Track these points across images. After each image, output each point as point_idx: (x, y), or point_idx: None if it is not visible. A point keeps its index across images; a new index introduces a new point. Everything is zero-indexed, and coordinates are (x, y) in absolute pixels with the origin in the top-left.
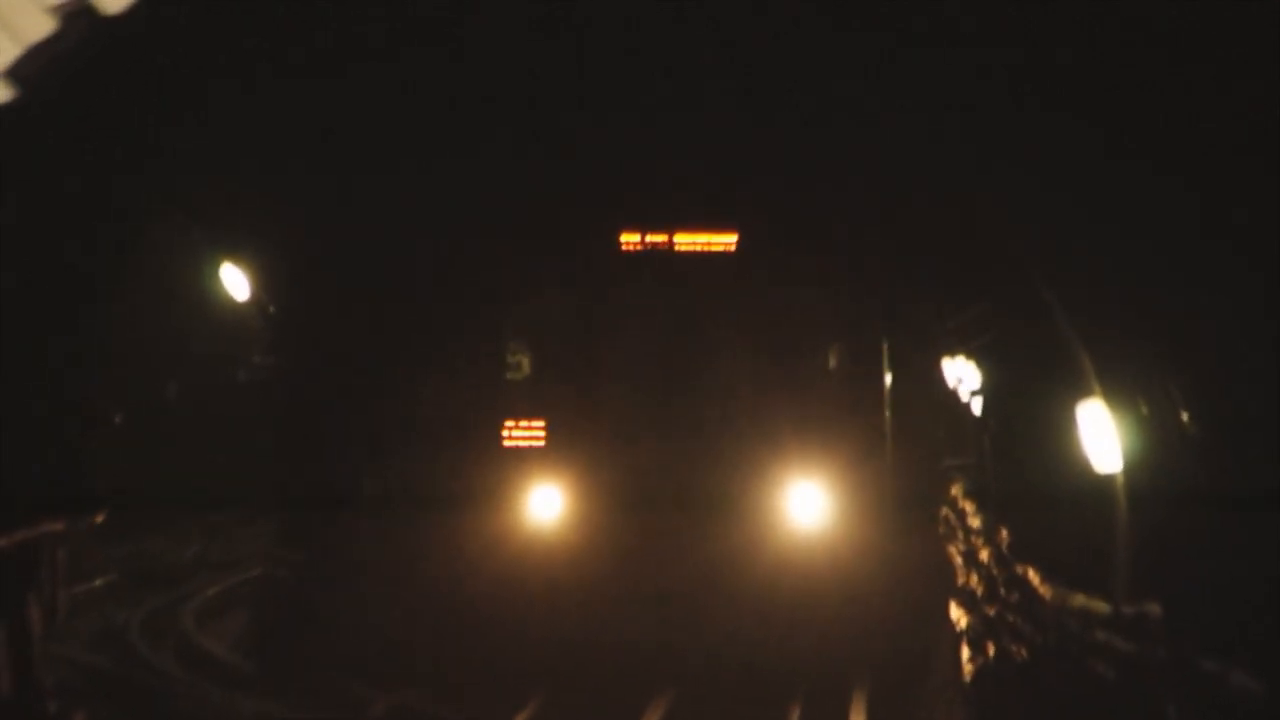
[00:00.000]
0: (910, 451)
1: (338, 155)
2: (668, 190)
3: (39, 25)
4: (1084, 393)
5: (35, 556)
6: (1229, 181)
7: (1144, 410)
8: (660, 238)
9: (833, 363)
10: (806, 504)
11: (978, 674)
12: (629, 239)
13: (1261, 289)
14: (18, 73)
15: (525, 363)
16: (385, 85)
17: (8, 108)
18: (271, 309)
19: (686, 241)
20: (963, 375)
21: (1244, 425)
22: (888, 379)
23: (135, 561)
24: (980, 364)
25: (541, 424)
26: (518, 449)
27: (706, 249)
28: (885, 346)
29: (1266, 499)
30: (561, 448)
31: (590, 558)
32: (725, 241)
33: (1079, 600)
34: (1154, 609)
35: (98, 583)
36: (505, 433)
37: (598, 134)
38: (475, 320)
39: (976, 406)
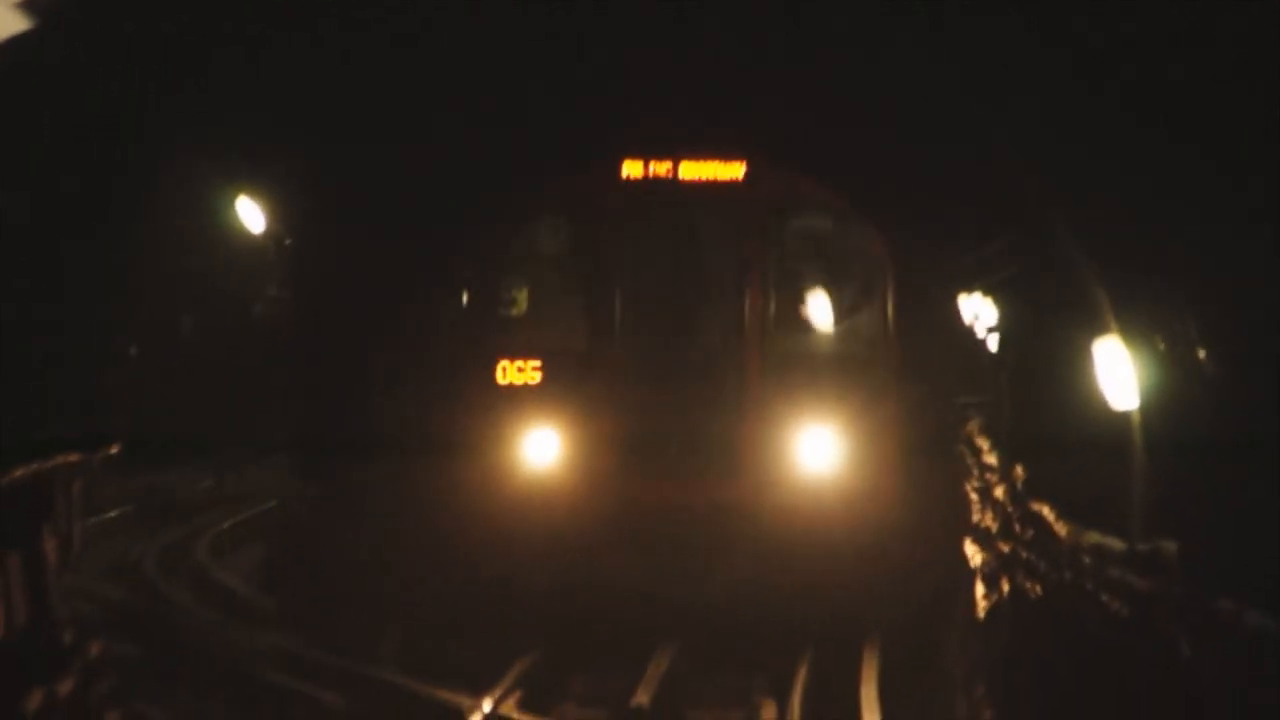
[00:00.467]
0: (922, 391)
1: (349, 92)
2: (672, 117)
3: None
4: (1101, 330)
5: (50, 488)
6: (1244, 126)
7: (1161, 347)
8: (664, 167)
9: (843, 300)
10: (816, 447)
11: (992, 610)
12: (631, 167)
13: (1275, 227)
14: (33, 4)
15: (522, 298)
16: (393, 27)
17: (28, 36)
18: (287, 242)
19: (692, 171)
20: (979, 312)
21: (1260, 362)
22: (899, 316)
23: (150, 494)
24: (997, 301)
25: (538, 362)
26: (513, 388)
27: (713, 179)
28: (894, 283)
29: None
30: (559, 388)
31: (589, 503)
32: (732, 171)
33: (1094, 537)
34: (1169, 547)
35: (113, 515)
36: (500, 371)
37: (599, 60)
38: (471, 253)
39: (993, 343)
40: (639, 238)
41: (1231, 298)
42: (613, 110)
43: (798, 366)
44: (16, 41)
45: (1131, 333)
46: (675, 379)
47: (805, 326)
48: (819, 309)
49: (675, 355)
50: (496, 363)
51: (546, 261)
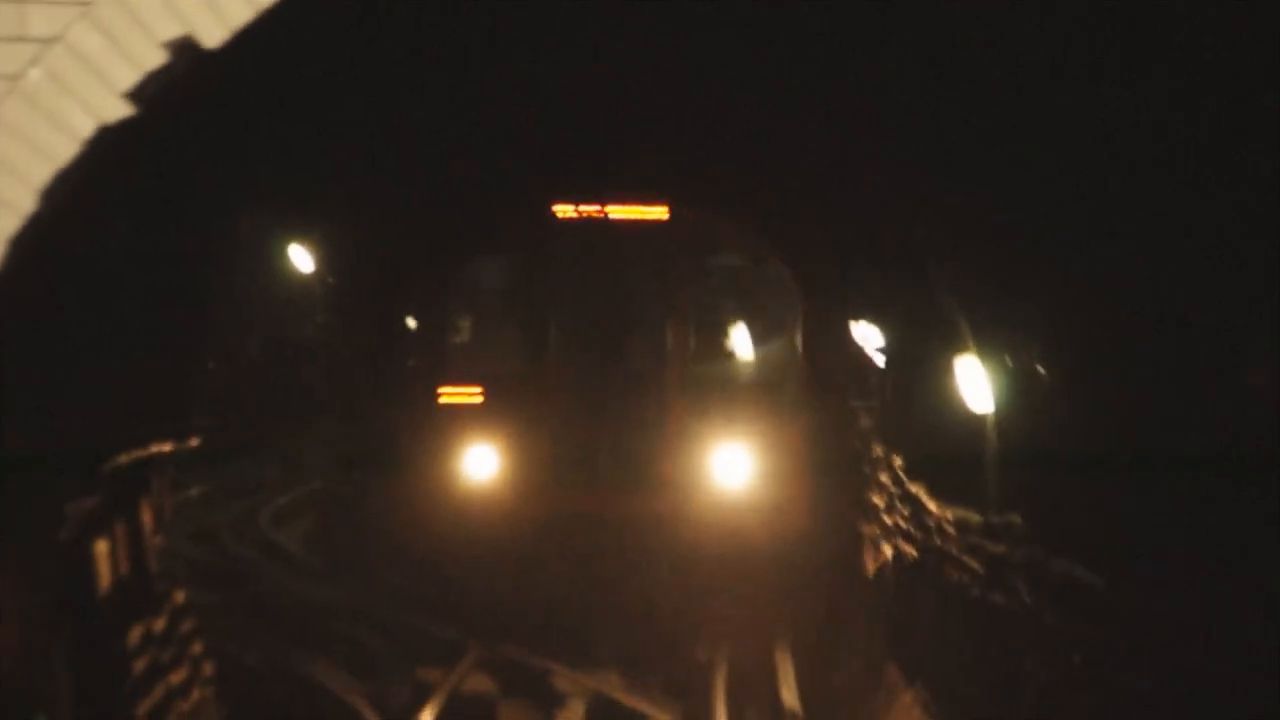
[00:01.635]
0: (826, 401)
1: (353, 159)
2: (601, 163)
3: (154, 56)
4: (962, 349)
5: (148, 471)
6: (1079, 178)
7: (1009, 363)
8: (593, 208)
9: (756, 330)
10: (731, 462)
11: (878, 570)
12: (563, 209)
13: (1096, 270)
14: (138, 94)
15: (465, 327)
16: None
17: (131, 121)
18: (329, 279)
19: (618, 212)
20: (868, 335)
21: (1084, 377)
22: (807, 343)
23: (224, 477)
24: (881, 326)
25: (478, 387)
26: (454, 408)
27: (638, 219)
28: (803, 314)
29: (1106, 435)
30: (497, 408)
31: (523, 514)
32: (656, 213)
33: (957, 512)
34: (1016, 519)
35: (194, 493)
36: (443, 393)
37: (533, 110)
38: (421, 287)
39: (879, 360)
40: (568, 273)
41: (1064, 327)
42: (549, 155)
43: (715, 390)
44: (126, 122)
45: (986, 351)
46: (603, 401)
47: (722, 354)
48: (735, 338)
49: (603, 380)
50: (440, 385)
51: (488, 294)
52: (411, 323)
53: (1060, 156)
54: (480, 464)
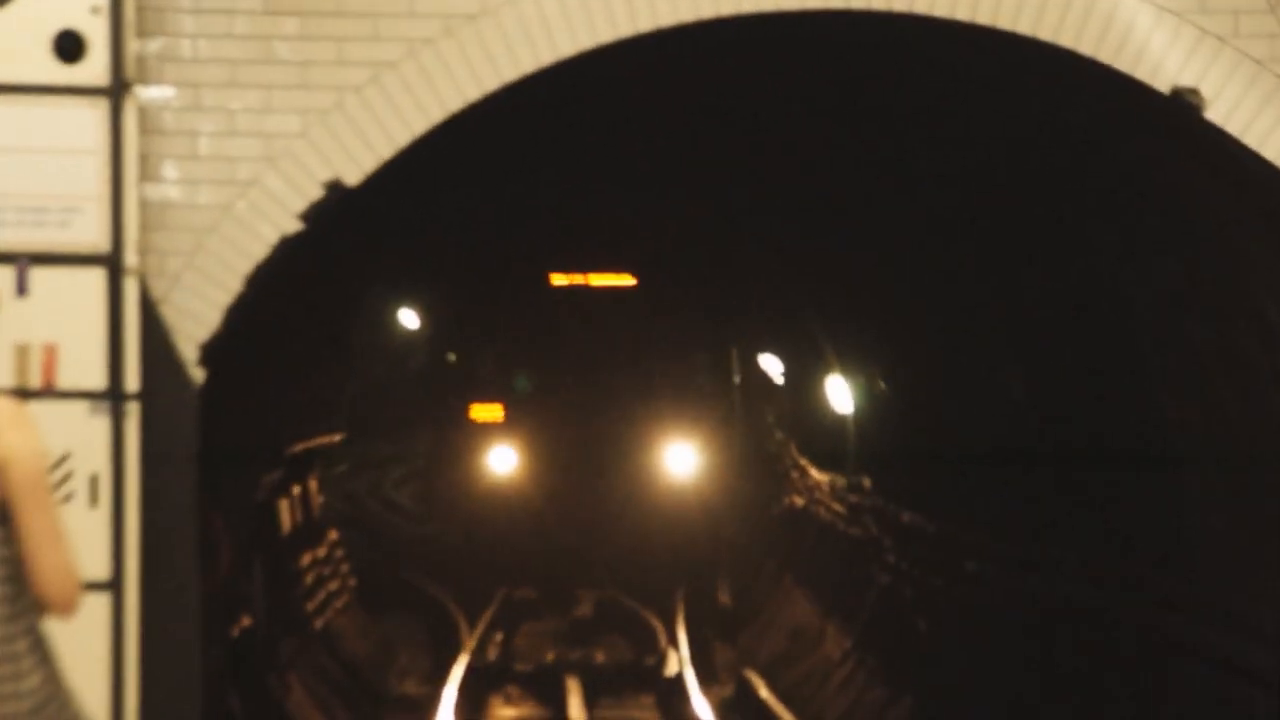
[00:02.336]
0: (746, 414)
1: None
2: (583, 244)
3: (315, 191)
4: (831, 371)
5: (313, 455)
6: (897, 258)
7: (862, 380)
8: (579, 278)
9: (697, 364)
10: (680, 457)
11: (774, 515)
12: (556, 278)
13: (910, 319)
14: (305, 215)
15: (492, 364)
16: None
17: (300, 233)
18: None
19: (598, 280)
20: (770, 363)
21: (906, 389)
22: (737, 371)
23: (360, 458)
24: (779, 356)
25: (500, 405)
26: (483, 424)
27: (612, 285)
28: (737, 352)
29: (918, 428)
30: (515, 422)
31: (536, 494)
32: (626, 280)
33: (829, 475)
34: (866, 480)
35: (342, 468)
36: (473, 412)
37: (536, 206)
38: (463, 336)
39: (778, 378)
40: (561, 325)
41: (896, 353)
42: (544, 241)
43: (672, 405)
44: (297, 233)
45: (846, 372)
46: (591, 417)
47: (678, 381)
48: (687, 371)
49: (589, 401)
50: (470, 406)
51: (504, 343)
52: (451, 358)
53: (880, 245)
54: (503, 460)
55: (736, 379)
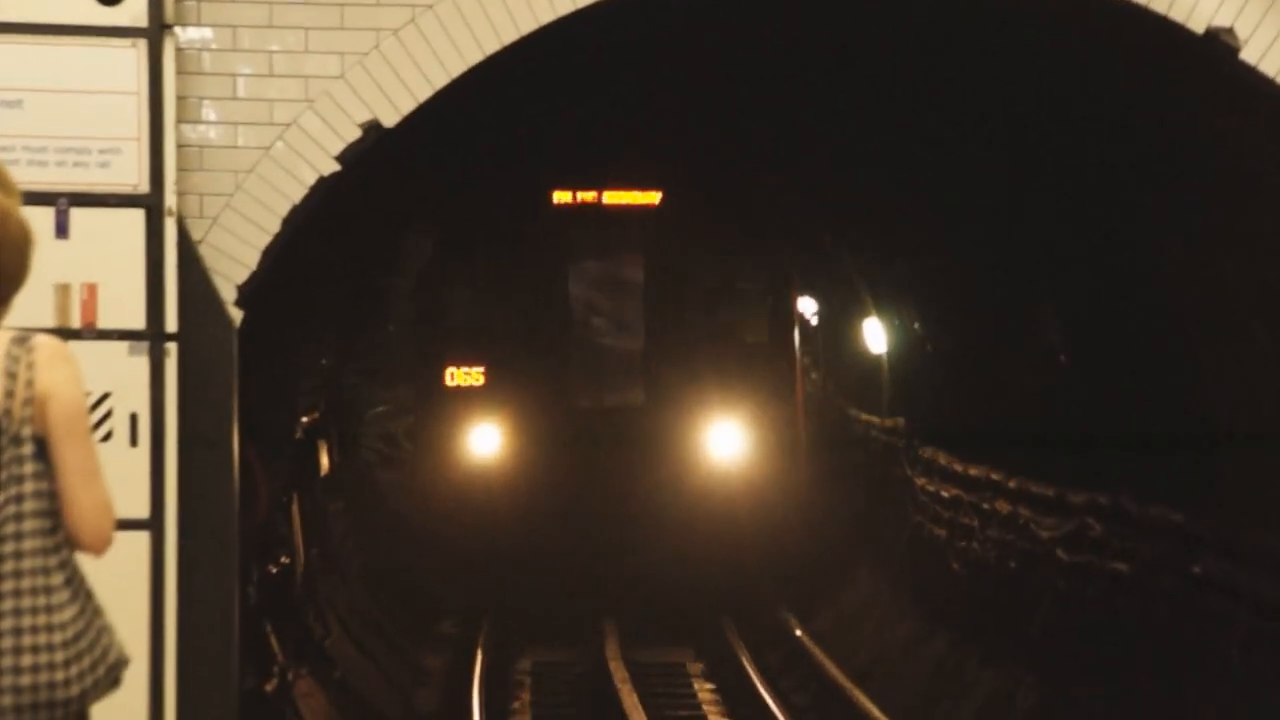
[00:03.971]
0: (806, 388)
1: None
2: (597, 151)
3: (352, 132)
4: (867, 313)
5: (352, 396)
6: (941, 205)
7: (896, 322)
8: (589, 195)
9: (746, 305)
10: (725, 439)
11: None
12: (560, 196)
13: (956, 263)
14: (341, 156)
15: (468, 313)
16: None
17: (336, 176)
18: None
19: (613, 198)
20: (806, 307)
21: (940, 332)
22: (795, 318)
23: (398, 400)
24: (815, 298)
25: (481, 368)
26: (459, 389)
27: (632, 205)
28: (794, 291)
29: (954, 368)
30: (499, 389)
31: (526, 489)
32: (649, 199)
33: (865, 415)
34: (900, 421)
35: (380, 410)
36: (448, 375)
37: (534, 104)
38: (427, 275)
39: (815, 321)
40: (567, 259)
41: (930, 297)
42: (542, 145)
43: (707, 363)
44: (334, 175)
45: (882, 314)
46: (601, 381)
47: (715, 333)
48: (725, 312)
49: (601, 359)
50: (444, 368)
51: (487, 281)
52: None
53: (928, 200)
54: (484, 442)
55: (797, 333)
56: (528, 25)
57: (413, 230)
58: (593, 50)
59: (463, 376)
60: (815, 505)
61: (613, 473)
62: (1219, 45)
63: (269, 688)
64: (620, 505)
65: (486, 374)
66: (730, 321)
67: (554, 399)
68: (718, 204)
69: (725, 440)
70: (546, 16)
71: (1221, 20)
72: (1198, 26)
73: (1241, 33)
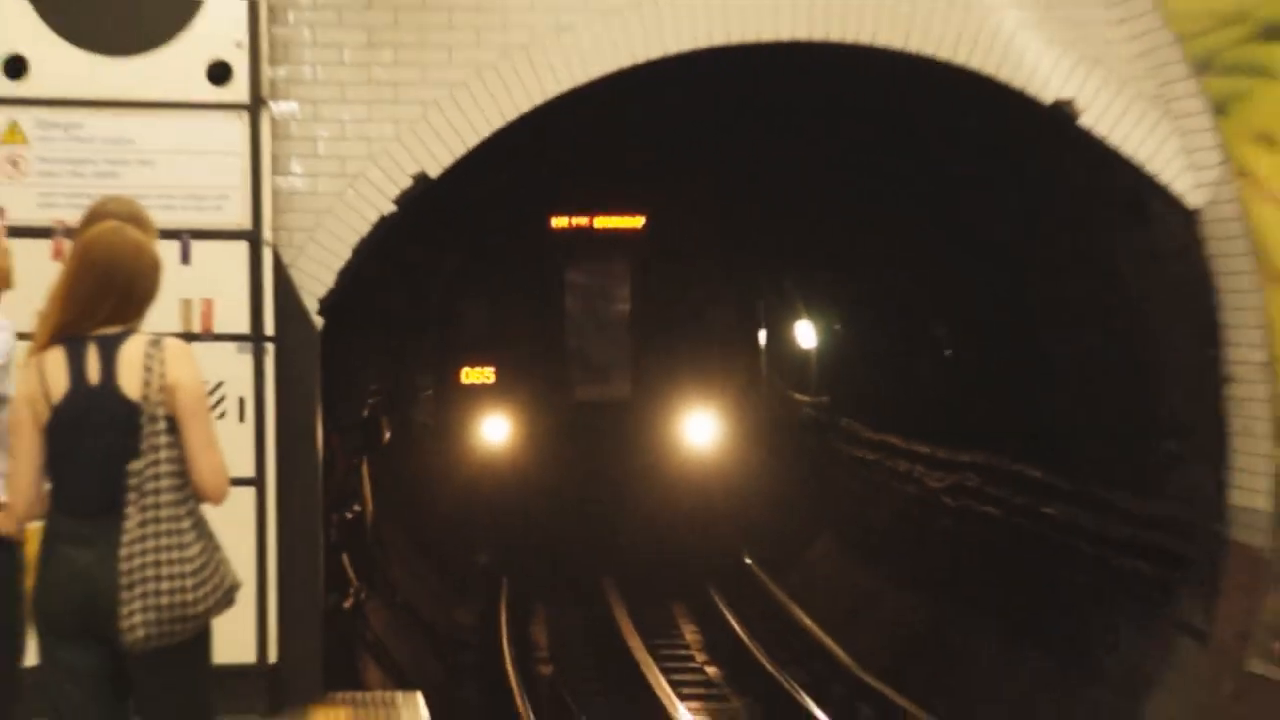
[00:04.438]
0: (773, 381)
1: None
2: (589, 183)
3: (405, 180)
4: (799, 316)
5: (409, 381)
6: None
7: (823, 323)
8: (583, 220)
9: (719, 314)
10: (700, 427)
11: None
12: (558, 221)
13: (870, 278)
14: (398, 200)
15: (480, 320)
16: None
17: (393, 215)
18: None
19: (604, 223)
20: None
21: (855, 330)
22: (761, 333)
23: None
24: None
25: (491, 368)
26: (472, 386)
27: (620, 228)
28: (765, 304)
29: (868, 358)
30: (508, 386)
31: (532, 470)
32: (634, 222)
33: (798, 395)
34: (824, 399)
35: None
36: (464, 374)
37: (536, 148)
38: (446, 289)
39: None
40: (564, 274)
41: (847, 308)
42: (542, 180)
43: (686, 362)
44: (391, 215)
45: (811, 318)
46: (595, 378)
47: (689, 332)
48: (700, 318)
49: (593, 358)
50: (460, 368)
51: (497, 295)
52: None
53: (854, 227)
54: (494, 431)
55: (762, 334)
56: (538, 98)
57: (443, 252)
58: (585, 108)
59: (476, 375)
60: (767, 470)
61: (605, 456)
62: (1063, 112)
63: (346, 605)
64: (612, 483)
65: (496, 373)
66: (704, 326)
67: (554, 394)
68: (694, 226)
69: (700, 427)
70: (552, 90)
71: (1066, 93)
72: (1048, 97)
73: (1080, 103)
